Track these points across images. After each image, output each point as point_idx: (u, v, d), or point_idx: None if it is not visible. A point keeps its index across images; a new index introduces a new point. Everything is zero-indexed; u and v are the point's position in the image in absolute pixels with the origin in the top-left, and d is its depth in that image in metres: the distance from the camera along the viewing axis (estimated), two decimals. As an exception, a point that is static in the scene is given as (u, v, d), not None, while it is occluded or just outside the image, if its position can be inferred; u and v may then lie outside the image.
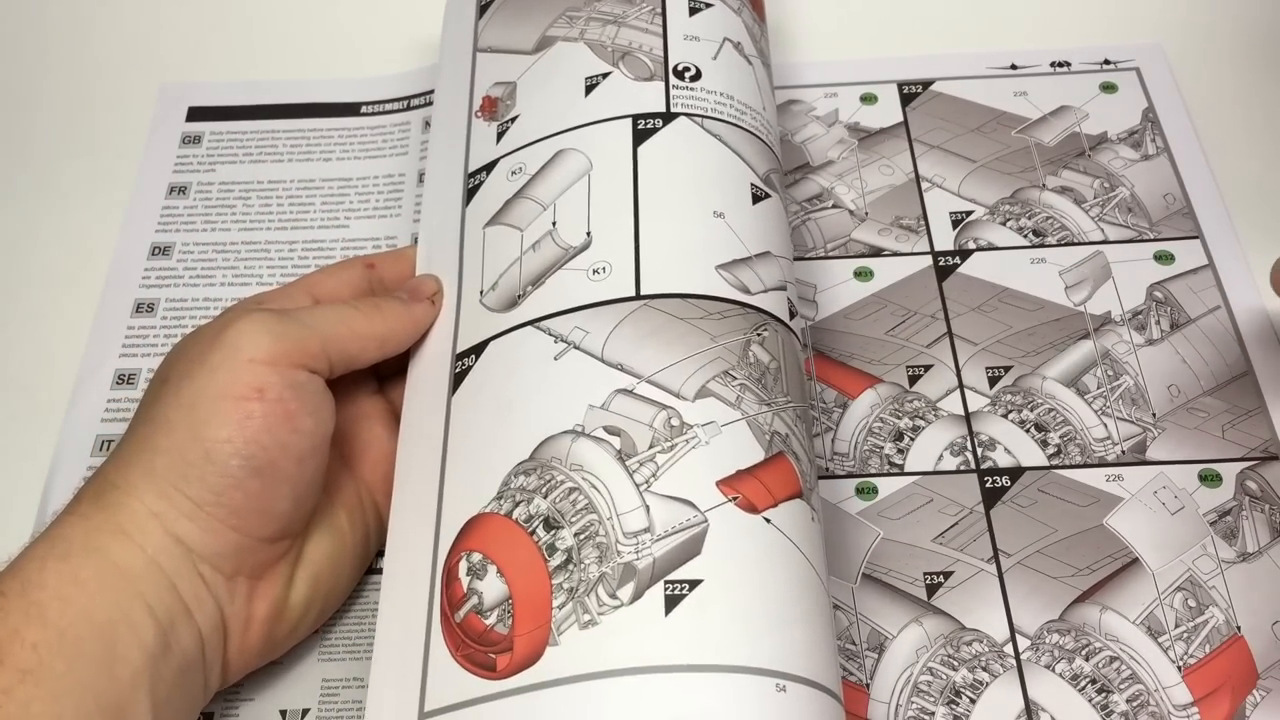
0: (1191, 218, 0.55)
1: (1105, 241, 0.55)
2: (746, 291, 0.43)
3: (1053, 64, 0.61)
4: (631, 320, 0.42)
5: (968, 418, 0.50)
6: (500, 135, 0.48)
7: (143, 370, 0.53)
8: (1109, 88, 0.60)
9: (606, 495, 0.38)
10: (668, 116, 0.47)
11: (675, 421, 0.39)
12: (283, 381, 0.39)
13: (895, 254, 0.55)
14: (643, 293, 0.42)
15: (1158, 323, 0.52)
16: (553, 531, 0.38)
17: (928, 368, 0.51)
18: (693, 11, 0.50)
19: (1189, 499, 0.47)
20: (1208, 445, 0.49)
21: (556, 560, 0.37)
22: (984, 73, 0.61)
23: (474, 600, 0.38)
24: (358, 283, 0.47)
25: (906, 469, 0.49)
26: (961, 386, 0.51)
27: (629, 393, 0.40)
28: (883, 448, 0.49)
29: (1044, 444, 0.49)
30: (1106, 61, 0.61)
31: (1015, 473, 0.48)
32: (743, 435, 0.40)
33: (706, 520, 0.37)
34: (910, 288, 0.54)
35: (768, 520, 0.38)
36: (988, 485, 0.48)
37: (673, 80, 0.48)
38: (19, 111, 0.63)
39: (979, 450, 0.49)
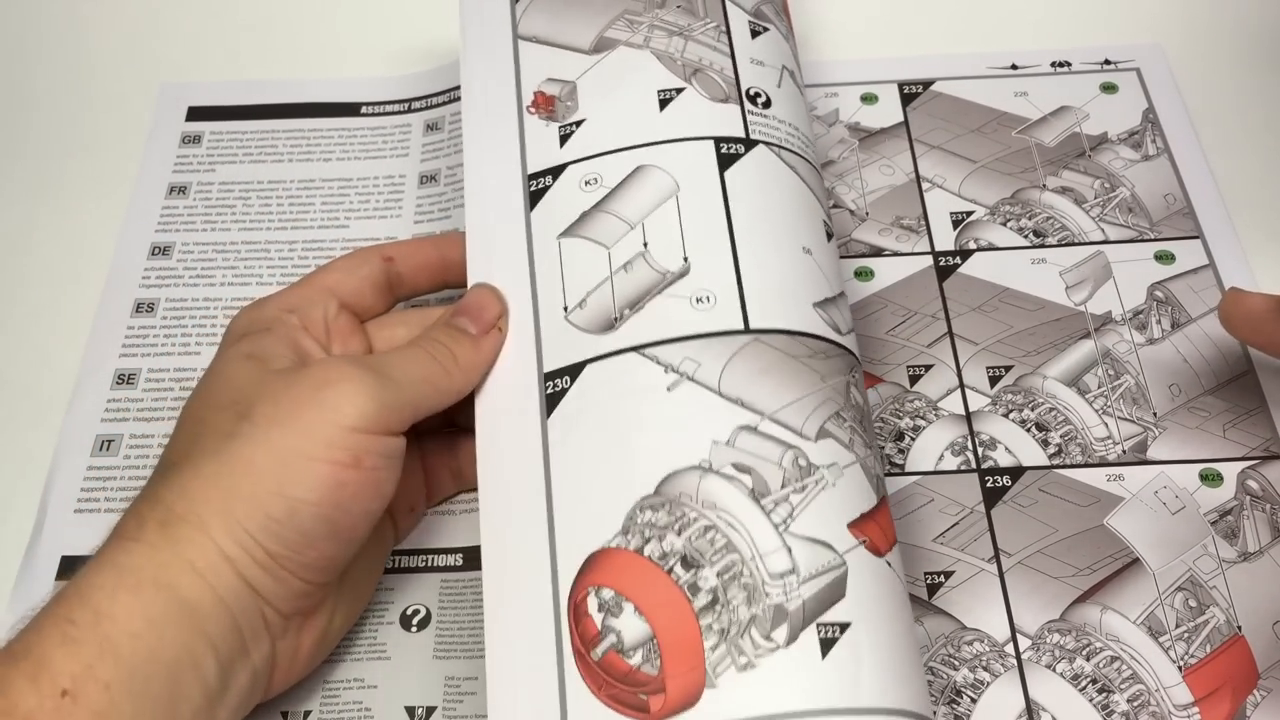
0: (1192, 218, 0.55)
1: (1106, 241, 0.55)
2: (839, 332, 0.43)
3: (1053, 64, 0.61)
4: (744, 355, 0.41)
5: (968, 417, 0.50)
6: (564, 139, 0.47)
7: (143, 370, 0.53)
8: (1109, 88, 0.60)
9: (746, 535, 0.37)
10: (748, 143, 0.45)
11: (802, 461, 0.39)
12: (377, 450, 0.39)
13: (896, 254, 0.55)
14: (751, 326, 0.41)
15: (1158, 322, 0.52)
16: (693, 570, 0.37)
17: (928, 367, 0.51)
18: (754, 34, 0.49)
19: (1190, 498, 0.47)
20: (1209, 445, 0.49)
21: (702, 600, 0.36)
22: (984, 73, 0.61)
23: (611, 638, 0.37)
24: (377, 279, 0.46)
25: (907, 469, 0.49)
26: (962, 386, 0.51)
27: (753, 430, 0.39)
28: (883, 448, 0.49)
29: (1045, 443, 0.49)
30: (1107, 62, 0.61)
31: (1016, 472, 0.48)
32: (858, 478, 0.40)
33: (845, 563, 0.37)
34: (911, 288, 0.54)
35: (889, 564, 0.39)
36: (988, 485, 0.48)
37: (747, 105, 0.46)
38: (18, 111, 0.63)
39: (980, 450, 0.49)
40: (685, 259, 0.43)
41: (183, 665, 0.35)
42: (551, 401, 0.41)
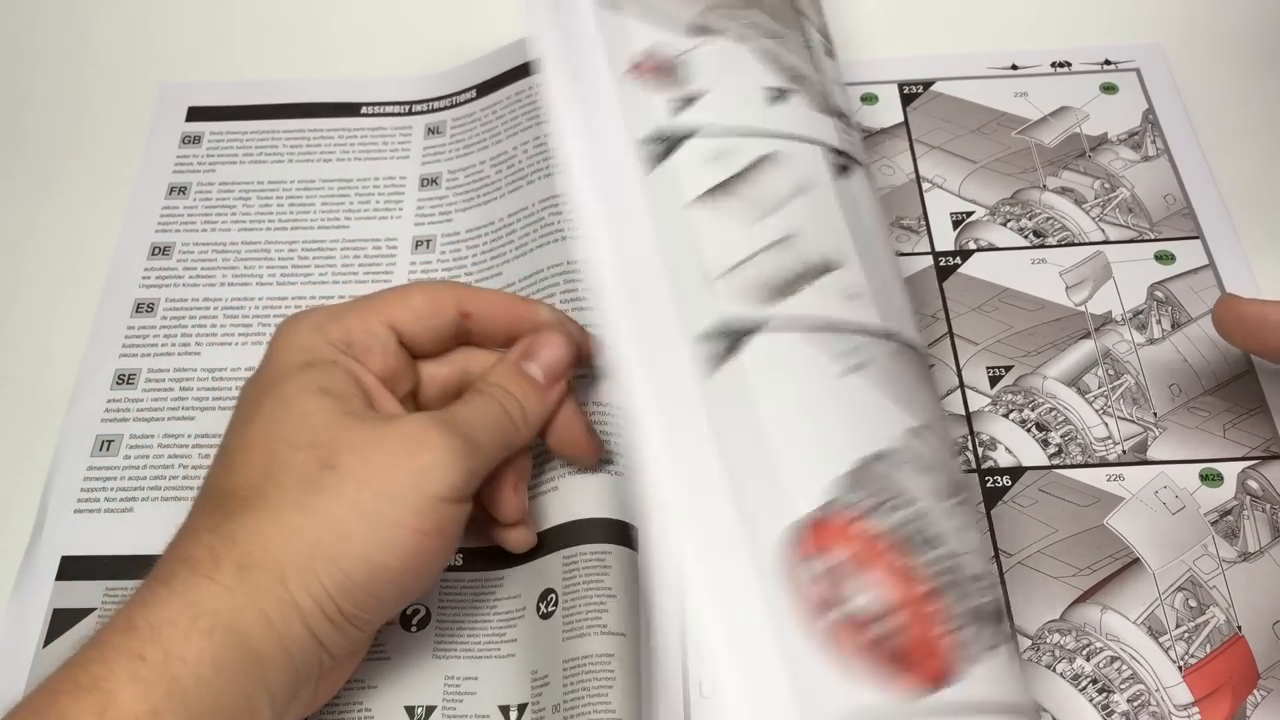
0: (1191, 218, 0.55)
1: (1106, 242, 0.55)
2: (926, 358, 0.43)
3: (1053, 64, 0.61)
4: (895, 359, 0.41)
5: (968, 417, 0.50)
6: (677, 109, 0.44)
7: (143, 370, 0.53)
8: (1109, 88, 0.60)
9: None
10: (850, 159, 0.45)
11: (958, 478, 0.40)
12: (458, 519, 0.39)
13: (896, 254, 0.55)
14: (892, 333, 0.41)
15: (1159, 322, 0.52)
16: (926, 547, 0.37)
17: (928, 367, 0.51)
18: (827, 54, 0.49)
19: (1190, 498, 0.47)
20: (1209, 444, 0.49)
21: (941, 580, 0.36)
22: (984, 73, 0.61)
23: (847, 605, 0.36)
24: (446, 333, 0.44)
25: (907, 469, 0.49)
26: (962, 386, 0.51)
27: (919, 433, 0.39)
28: (883, 447, 0.49)
29: (1045, 443, 0.49)
30: (1107, 62, 0.61)
31: (1016, 472, 0.48)
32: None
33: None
34: (911, 288, 0.54)
35: None
36: (988, 485, 0.48)
37: (837, 122, 0.46)
38: (18, 111, 0.63)
39: (980, 450, 0.49)
40: (828, 254, 0.42)
41: (240, 714, 0.36)
42: (711, 365, 0.39)
